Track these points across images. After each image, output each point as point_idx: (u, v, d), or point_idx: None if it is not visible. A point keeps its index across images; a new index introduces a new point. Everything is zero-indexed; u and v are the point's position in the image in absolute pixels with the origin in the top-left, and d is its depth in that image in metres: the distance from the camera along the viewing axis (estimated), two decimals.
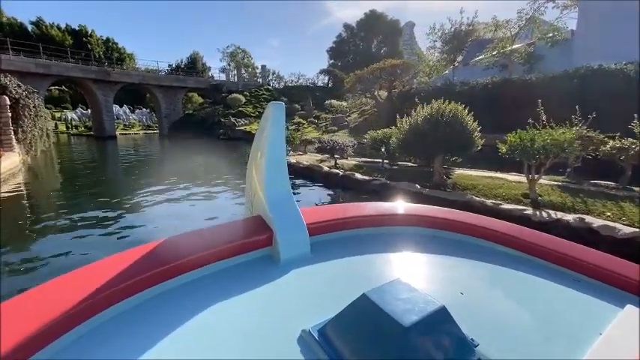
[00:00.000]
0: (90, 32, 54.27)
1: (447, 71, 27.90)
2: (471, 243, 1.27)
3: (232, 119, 29.54)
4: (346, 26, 59.53)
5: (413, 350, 0.58)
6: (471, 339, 0.67)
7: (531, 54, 21.07)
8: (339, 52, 58.52)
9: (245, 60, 50.47)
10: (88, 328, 0.74)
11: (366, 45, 57.72)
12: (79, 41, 48.22)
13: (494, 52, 23.88)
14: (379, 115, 23.19)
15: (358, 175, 9.24)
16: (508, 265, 1.10)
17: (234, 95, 33.59)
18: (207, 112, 31.60)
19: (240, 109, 33.19)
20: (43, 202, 8.51)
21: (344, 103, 32.29)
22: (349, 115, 27.79)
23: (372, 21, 56.52)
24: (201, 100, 48.68)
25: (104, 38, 56.02)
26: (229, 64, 46.19)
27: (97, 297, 0.76)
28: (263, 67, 40.90)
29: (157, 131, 40.31)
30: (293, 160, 11.75)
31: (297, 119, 30.03)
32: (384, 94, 24.36)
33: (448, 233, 1.32)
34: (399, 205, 1.50)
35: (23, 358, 0.62)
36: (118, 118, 46.34)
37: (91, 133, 36.42)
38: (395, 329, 0.59)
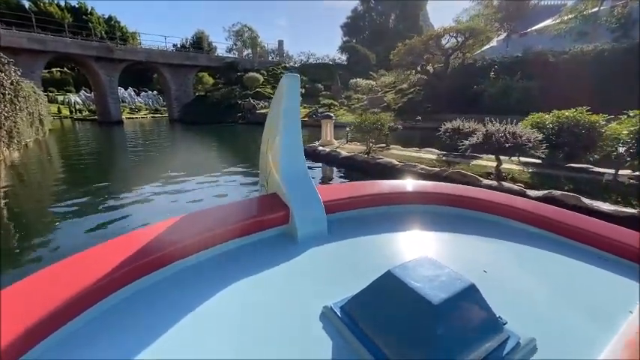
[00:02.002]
0: (90, 10, 50.67)
1: (493, 43, 23.97)
2: (489, 220, 1.25)
3: (252, 101, 26.17)
4: None
5: (442, 328, 0.55)
6: (499, 316, 0.66)
7: (626, 16, 17.13)
8: (355, 27, 54.41)
9: (252, 38, 46.90)
10: (104, 307, 0.73)
11: (383, 20, 53.51)
12: (79, 19, 44.75)
13: (570, 16, 19.82)
14: (433, 93, 19.70)
15: None
16: (530, 242, 1.08)
17: (251, 74, 30.08)
18: (223, 94, 28.23)
19: (257, 89, 29.80)
20: (25, 220, 5.51)
21: (372, 82, 28.67)
22: (385, 95, 24.23)
23: None
24: (212, 80, 45.25)
25: (105, 17, 52.41)
26: (236, 44, 43.25)
27: (114, 274, 0.76)
28: (280, 42, 37.11)
29: (167, 115, 37.11)
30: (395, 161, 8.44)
31: (323, 100, 26.56)
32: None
33: (465, 211, 1.29)
34: (414, 183, 1.48)
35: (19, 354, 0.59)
36: (123, 102, 43.24)
37: (96, 117, 33.36)
38: (424, 307, 0.56)
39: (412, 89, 22.28)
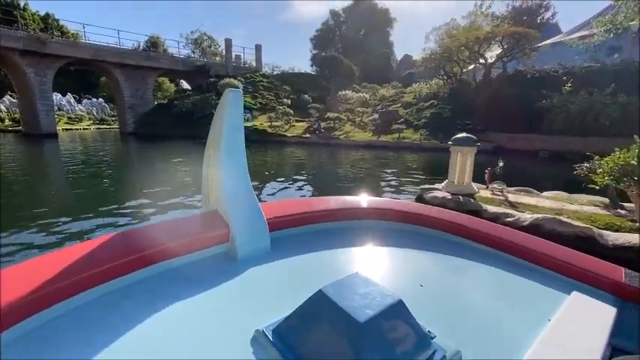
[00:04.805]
0: (23, 5, 42.25)
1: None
2: (431, 235, 1.27)
3: None
4: (333, 13, 52.97)
5: (369, 346, 0.56)
6: (428, 331, 0.67)
7: None
8: (325, 40, 52.11)
9: (212, 48, 43.81)
10: (17, 333, 0.67)
11: (353, 34, 51.94)
12: (8, 14, 36.35)
13: (602, 29, 17.57)
14: (468, 108, 16.36)
15: None
16: (466, 256, 1.12)
17: (228, 80, 25.06)
18: (195, 102, 22.80)
19: None
20: None
21: (365, 94, 25.26)
22: (398, 109, 20.65)
23: (361, 8, 50.37)
24: (173, 87, 39.06)
25: (41, 14, 44.02)
26: (194, 52, 39.56)
27: (25, 300, 0.68)
28: (258, 47, 32.33)
29: (117, 127, 30.40)
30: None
31: (315, 112, 22.33)
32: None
33: (410, 226, 1.32)
34: (362, 199, 1.47)
35: None
36: (59, 109, 35.46)
37: (20, 128, 25.98)
38: (351, 325, 0.56)
39: (433, 103, 18.87)
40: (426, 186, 5.50)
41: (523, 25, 20.64)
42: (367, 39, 49.04)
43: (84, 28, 26.14)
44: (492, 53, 18.55)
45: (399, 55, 49.65)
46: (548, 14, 23.10)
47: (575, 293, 0.87)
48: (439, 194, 4.94)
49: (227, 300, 0.84)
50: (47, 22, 43.40)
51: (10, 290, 0.68)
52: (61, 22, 45.03)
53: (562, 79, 13.34)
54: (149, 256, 0.89)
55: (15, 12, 36.52)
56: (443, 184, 5.40)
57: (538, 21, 23.21)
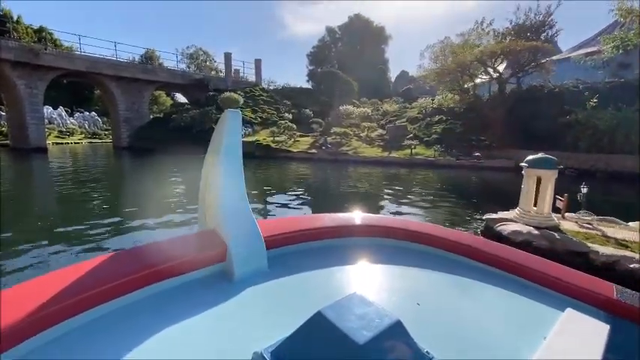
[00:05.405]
0: (16, 18, 41.33)
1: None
2: (427, 252, 1.27)
3: None
4: (329, 30, 53.47)
5: None
6: (427, 351, 0.67)
7: None
8: (321, 56, 52.33)
9: (208, 63, 43.30)
10: (13, 356, 0.66)
11: (349, 50, 52.31)
12: (1, 25, 35.31)
13: (610, 45, 17.38)
14: (481, 123, 15.81)
15: None
16: (463, 273, 1.11)
17: (228, 94, 24.30)
18: (194, 116, 21.94)
19: None
20: None
21: (367, 109, 24.84)
22: (406, 125, 20.09)
23: (357, 25, 50.85)
24: (170, 101, 38.30)
25: (35, 27, 43.07)
26: (189, 67, 38.96)
27: (14, 327, 0.67)
28: (258, 61, 31.84)
29: (109, 140, 29.28)
30: None
31: (318, 127, 21.65)
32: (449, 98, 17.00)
33: (406, 243, 1.32)
34: (357, 216, 1.46)
35: None
36: (50, 123, 34.23)
37: (7, 142, 24.71)
38: (350, 347, 0.56)
39: (441, 118, 18.34)
40: (493, 215, 4.66)
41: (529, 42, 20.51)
42: (363, 55, 49.30)
43: (79, 39, 25.20)
44: (500, 67, 18.25)
45: (393, 71, 49.90)
46: (552, 31, 22.92)
47: (569, 310, 0.87)
48: (518, 227, 4.10)
49: (225, 321, 0.82)
50: (41, 36, 42.53)
51: None
52: (55, 36, 44.26)
53: (583, 95, 12.88)
54: (145, 276, 0.87)
55: (7, 24, 35.74)
56: (514, 213, 4.57)
57: (542, 38, 23.06)
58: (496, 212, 4.87)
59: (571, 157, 12.20)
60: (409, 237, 1.30)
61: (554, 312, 0.89)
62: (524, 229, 4.03)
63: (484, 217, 4.81)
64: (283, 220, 1.52)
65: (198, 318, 0.82)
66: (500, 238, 4.09)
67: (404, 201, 8.30)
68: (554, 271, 1.05)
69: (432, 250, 1.25)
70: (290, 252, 1.19)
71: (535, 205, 4.38)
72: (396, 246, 1.30)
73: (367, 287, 1.02)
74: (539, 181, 4.32)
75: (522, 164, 4.43)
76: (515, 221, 4.38)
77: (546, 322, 0.85)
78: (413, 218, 6.47)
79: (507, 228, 4.13)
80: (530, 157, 4.36)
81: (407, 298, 0.95)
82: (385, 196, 9.15)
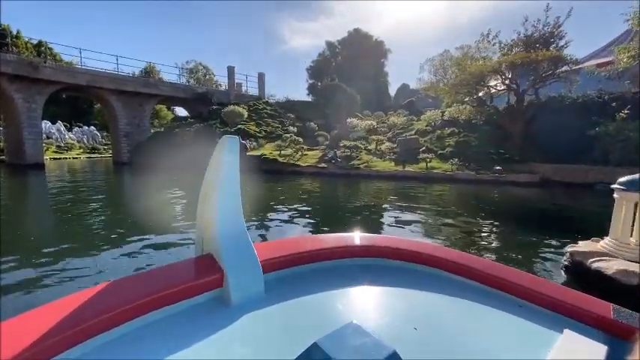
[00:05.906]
0: (15, 33, 41.08)
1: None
2: (423, 272, 1.26)
3: (241, 140, 19.64)
4: (329, 44, 53.74)
5: None
6: None
7: None
8: (321, 70, 52.46)
9: (207, 77, 43.20)
10: None
11: (349, 64, 52.47)
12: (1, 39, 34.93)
13: (624, 55, 16.98)
14: (497, 136, 15.21)
15: None
16: (458, 293, 1.10)
17: (232, 108, 23.79)
18: (198, 130, 21.30)
19: (239, 126, 23.45)
20: None
21: (372, 122, 24.37)
22: (418, 137, 19.50)
23: (356, 39, 51.03)
24: (171, 115, 37.77)
25: (34, 42, 42.81)
26: (189, 82, 38.78)
27: (18, 359, 0.67)
28: (261, 75, 31.49)
29: (109, 155, 28.50)
30: None
31: (324, 140, 21.03)
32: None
33: (403, 263, 1.31)
34: (356, 236, 1.46)
35: None
36: (48, 138, 33.52)
37: (2, 158, 23.91)
38: None
39: (454, 130, 17.77)
40: (578, 248, 3.90)
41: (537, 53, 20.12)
42: (363, 69, 49.34)
43: (80, 53, 24.55)
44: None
45: (393, 84, 49.79)
46: (562, 42, 22.52)
47: (566, 332, 0.87)
48: (623, 265, 3.34)
49: (222, 349, 0.82)
50: (40, 50, 42.20)
51: None
52: (55, 50, 43.94)
53: (609, 105, 12.35)
54: (141, 305, 0.87)
55: (7, 38, 35.38)
56: (601, 244, 3.83)
57: (552, 49, 22.63)
58: (576, 242, 4.12)
59: (602, 171, 11.56)
60: (409, 258, 1.30)
61: (552, 333, 0.89)
62: (633, 266, 3.28)
63: (566, 250, 4.04)
64: (279, 242, 1.47)
65: (196, 346, 0.81)
66: (601, 278, 3.34)
67: (447, 220, 7.53)
68: (551, 291, 1.04)
69: (428, 269, 1.25)
70: (286, 275, 1.17)
71: (631, 234, 3.64)
72: (395, 267, 1.29)
73: (365, 312, 1.01)
74: (635, 205, 3.60)
75: (615, 186, 3.71)
76: (612, 255, 3.62)
77: (544, 343, 0.84)
78: (468, 249, 5.69)
79: (610, 266, 3.37)
80: (625, 179, 3.65)
81: (403, 321, 0.95)
82: (422, 214, 8.37)
